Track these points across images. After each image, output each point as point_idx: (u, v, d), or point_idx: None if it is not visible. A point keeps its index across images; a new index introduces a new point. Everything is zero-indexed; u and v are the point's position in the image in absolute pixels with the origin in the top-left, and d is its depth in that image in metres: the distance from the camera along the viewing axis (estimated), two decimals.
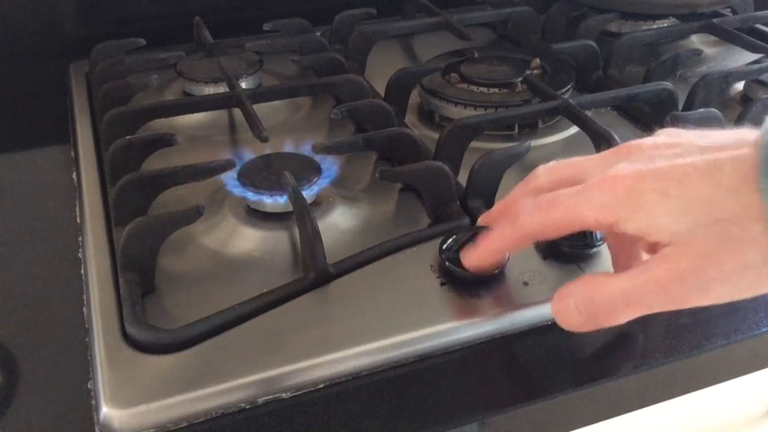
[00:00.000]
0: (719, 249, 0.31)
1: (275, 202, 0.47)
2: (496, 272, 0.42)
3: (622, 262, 0.39)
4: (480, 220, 0.43)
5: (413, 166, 0.49)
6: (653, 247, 0.34)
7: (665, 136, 0.36)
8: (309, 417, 0.36)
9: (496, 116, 0.56)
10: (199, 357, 0.38)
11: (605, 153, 0.37)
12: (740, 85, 0.64)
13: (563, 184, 0.37)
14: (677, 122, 0.52)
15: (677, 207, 0.32)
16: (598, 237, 0.43)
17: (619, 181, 0.33)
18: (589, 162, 0.37)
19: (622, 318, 0.35)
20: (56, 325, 0.42)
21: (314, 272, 0.42)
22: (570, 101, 0.56)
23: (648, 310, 0.34)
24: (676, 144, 0.35)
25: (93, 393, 0.37)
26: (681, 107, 0.58)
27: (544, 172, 0.39)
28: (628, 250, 0.39)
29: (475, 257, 0.40)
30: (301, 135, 0.56)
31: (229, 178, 0.49)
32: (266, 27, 0.69)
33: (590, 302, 0.35)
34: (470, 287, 0.42)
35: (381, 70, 0.65)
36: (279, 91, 0.60)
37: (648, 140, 0.36)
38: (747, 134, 0.33)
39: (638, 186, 0.33)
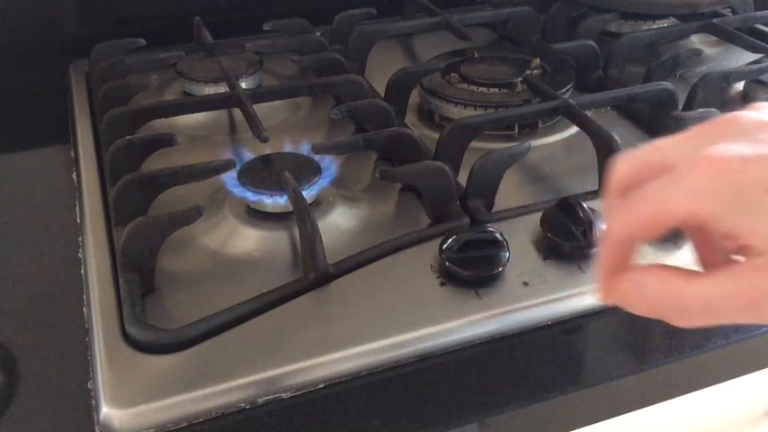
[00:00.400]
0: None
1: (275, 202, 0.47)
2: (496, 272, 0.42)
3: (706, 256, 0.33)
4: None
5: (413, 166, 0.49)
6: (742, 249, 0.29)
7: (763, 111, 0.30)
8: (309, 417, 0.36)
9: (496, 116, 0.56)
10: (199, 357, 0.38)
11: (697, 128, 0.31)
12: (740, 85, 0.64)
13: (650, 172, 0.31)
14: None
15: None
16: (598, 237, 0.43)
17: (717, 166, 0.27)
18: (678, 142, 0.31)
19: (695, 324, 0.30)
20: (56, 325, 0.42)
21: (314, 272, 0.42)
22: (570, 101, 0.56)
23: (728, 322, 0.29)
24: None
25: (93, 393, 0.37)
26: (681, 107, 0.58)
27: (623, 161, 0.32)
28: (713, 243, 0.33)
29: (606, 293, 0.33)
30: (301, 135, 0.56)
31: (229, 178, 0.49)
32: (266, 27, 0.69)
33: (661, 301, 0.30)
34: (470, 287, 0.42)
35: (381, 70, 0.65)
36: (279, 91, 0.60)
37: (746, 114, 0.30)
38: None
39: (741, 177, 0.27)
